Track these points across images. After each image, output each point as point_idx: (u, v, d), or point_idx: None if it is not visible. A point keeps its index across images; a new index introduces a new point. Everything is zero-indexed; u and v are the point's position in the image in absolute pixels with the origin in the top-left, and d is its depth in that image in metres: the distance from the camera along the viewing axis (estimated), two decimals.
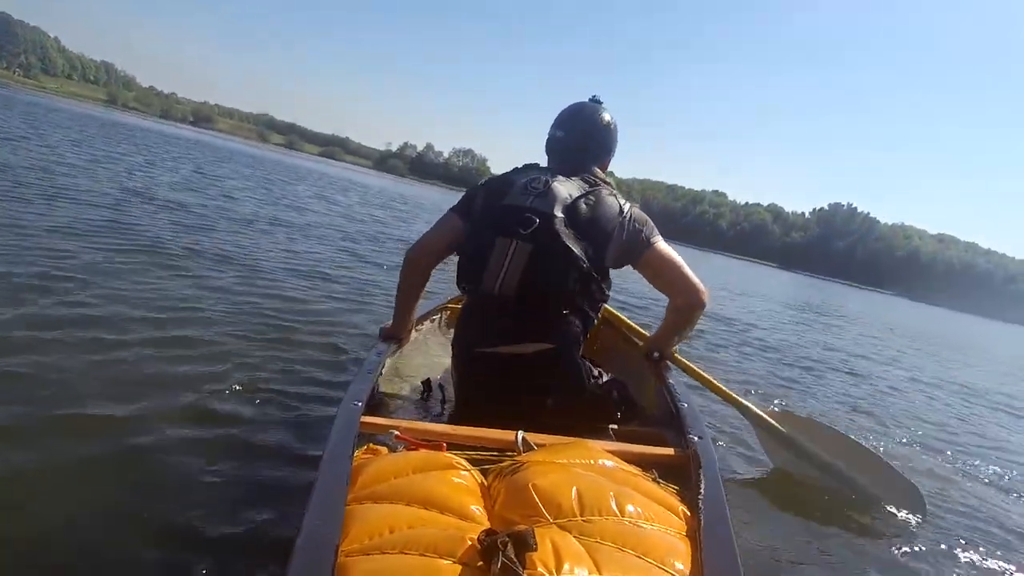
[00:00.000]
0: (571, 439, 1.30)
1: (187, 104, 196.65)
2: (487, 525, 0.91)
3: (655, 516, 0.97)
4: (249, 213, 8.26)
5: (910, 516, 2.25)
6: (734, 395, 2.30)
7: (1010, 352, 17.66)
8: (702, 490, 1.12)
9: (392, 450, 1.26)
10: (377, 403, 1.76)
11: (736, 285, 17.60)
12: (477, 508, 0.96)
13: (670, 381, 1.88)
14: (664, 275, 1.87)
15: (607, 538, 0.88)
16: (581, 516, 0.93)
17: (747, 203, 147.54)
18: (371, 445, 1.26)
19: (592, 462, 1.12)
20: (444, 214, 1.96)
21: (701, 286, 1.88)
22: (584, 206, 1.76)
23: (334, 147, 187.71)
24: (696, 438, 1.40)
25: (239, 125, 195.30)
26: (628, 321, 2.66)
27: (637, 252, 1.81)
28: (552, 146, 2.02)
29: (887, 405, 4.78)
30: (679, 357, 2.18)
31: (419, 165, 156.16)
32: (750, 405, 2.32)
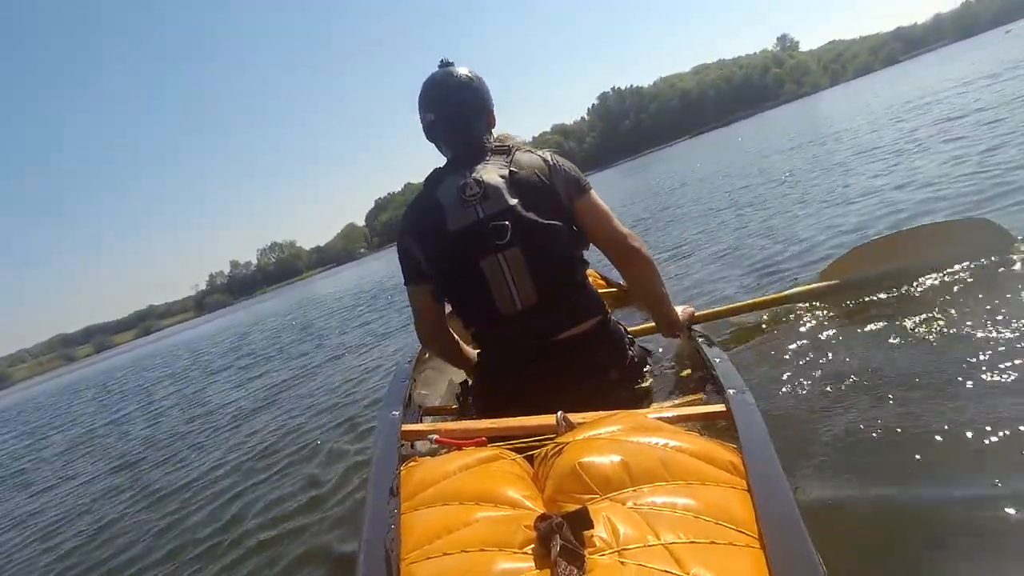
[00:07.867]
0: (609, 412, 1.27)
1: None
2: (541, 511, 0.90)
3: (705, 475, 0.96)
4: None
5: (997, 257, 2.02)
6: (773, 296, 2.26)
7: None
8: (747, 443, 1.10)
9: (435, 454, 1.25)
10: (414, 411, 1.75)
11: None
12: (528, 495, 0.96)
13: (700, 340, 1.84)
14: (599, 223, 1.74)
15: (661, 503, 0.87)
16: (632, 486, 0.92)
17: (533, 137, 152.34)
18: (414, 452, 1.26)
19: (634, 429, 1.10)
20: (408, 293, 1.84)
21: (636, 243, 1.75)
22: (518, 177, 1.67)
23: (146, 322, 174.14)
24: (733, 391, 1.37)
25: (36, 364, 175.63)
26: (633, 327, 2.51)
27: (576, 192, 1.73)
28: (432, 133, 1.87)
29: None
30: (699, 313, 2.12)
31: (238, 286, 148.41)
32: (793, 290, 2.27)
